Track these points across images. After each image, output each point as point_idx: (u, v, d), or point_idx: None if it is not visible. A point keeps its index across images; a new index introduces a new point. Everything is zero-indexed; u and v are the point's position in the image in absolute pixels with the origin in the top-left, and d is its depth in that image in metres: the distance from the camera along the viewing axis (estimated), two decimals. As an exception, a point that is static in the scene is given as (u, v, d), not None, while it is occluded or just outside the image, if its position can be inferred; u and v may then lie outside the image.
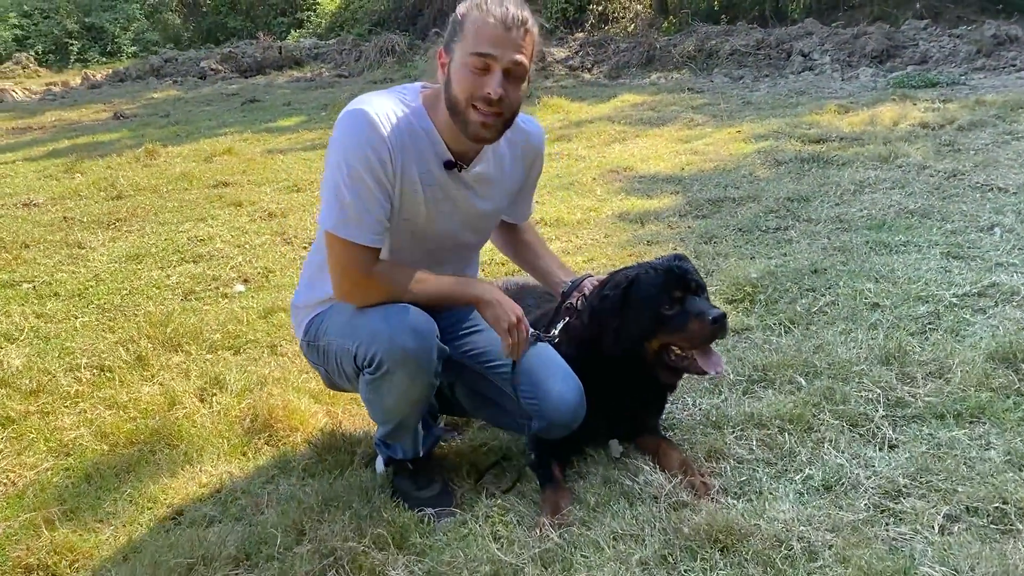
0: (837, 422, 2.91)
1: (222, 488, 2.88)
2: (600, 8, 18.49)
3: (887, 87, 10.29)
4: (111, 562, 2.51)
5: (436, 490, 2.69)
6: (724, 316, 2.57)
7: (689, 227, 5.31)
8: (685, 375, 2.82)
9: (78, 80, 19.12)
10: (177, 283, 5.02)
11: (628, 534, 2.40)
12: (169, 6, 26.23)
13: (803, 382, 3.19)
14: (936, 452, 2.69)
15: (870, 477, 2.58)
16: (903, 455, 2.69)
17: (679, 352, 2.68)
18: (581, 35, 16.68)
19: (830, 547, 2.29)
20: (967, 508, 2.41)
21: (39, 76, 21.02)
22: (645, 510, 2.49)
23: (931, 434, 2.80)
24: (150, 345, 4.01)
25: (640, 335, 2.67)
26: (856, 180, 5.86)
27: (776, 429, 2.90)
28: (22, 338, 4.32)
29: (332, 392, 3.12)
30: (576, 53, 15.21)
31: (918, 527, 2.35)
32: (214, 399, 3.44)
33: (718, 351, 2.70)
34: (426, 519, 2.57)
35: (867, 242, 4.64)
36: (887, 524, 2.38)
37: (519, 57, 2.30)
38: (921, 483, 2.54)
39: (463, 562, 2.33)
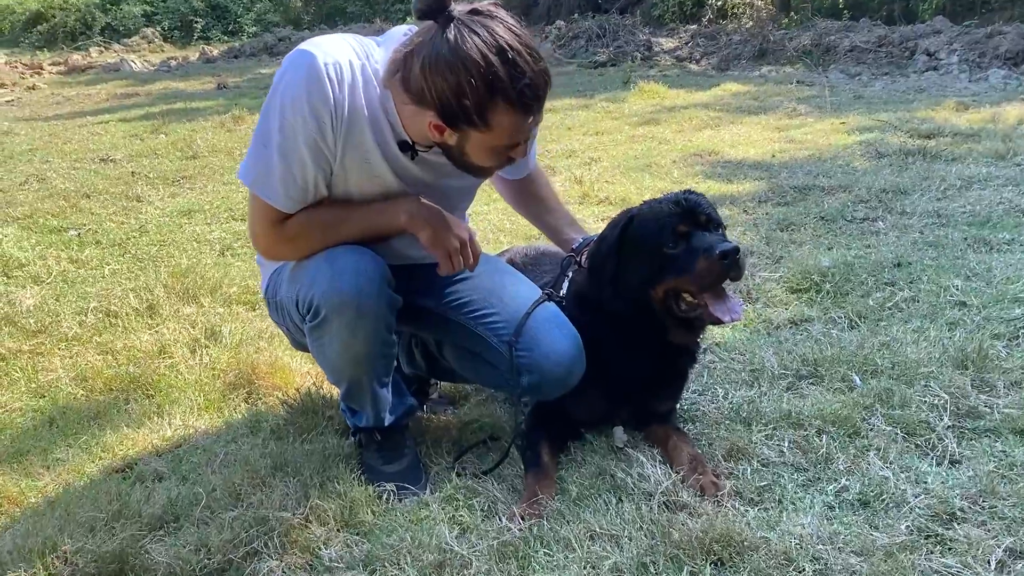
0: (890, 428, 2.43)
1: (183, 443, 2.62)
2: (719, 3, 17.81)
3: (1018, 88, 9.42)
4: (30, 509, 2.26)
5: (403, 464, 2.36)
6: (736, 250, 2.15)
7: (767, 213, 4.81)
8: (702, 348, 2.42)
9: (196, 55, 19.57)
10: (218, 239, 4.84)
11: (607, 534, 2.01)
12: (292, -12, 26.74)
13: (857, 381, 2.71)
14: (1007, 473, 2.19)
15: (919, 495, 2.11)
16: (965, 473, 2.21)
17: (690, 300, 2.26)
18: (693, 27, 16.06)
19: (852, 573, 1.85)
20: (1035, 543, 1.93)
21: (163, 51, 21.63)
22: (632, 508, 2.09)
23: (1004, 451, 2.30)
24: (165, 294, 3.80)
25: (641, 280, 2.28)
26: (964, 176, 5.23)
27: (814, 431, 2.45)
28: (48, 280, 4.20)
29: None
30: (685, 44, 14.63)
31: (970, 560, 1.88)
32: (205, 351, 3.19)
33: (736, 297, 2.29)
34: (384, 496, 2.23)
35: (965, 238, 4.06)
36: (931, 553, 1.91)
37: (540, 115, 2.04)
38: (982, 508, 2.06)
39: (407, 547, 1.98)
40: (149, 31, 23.17)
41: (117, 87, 13.57)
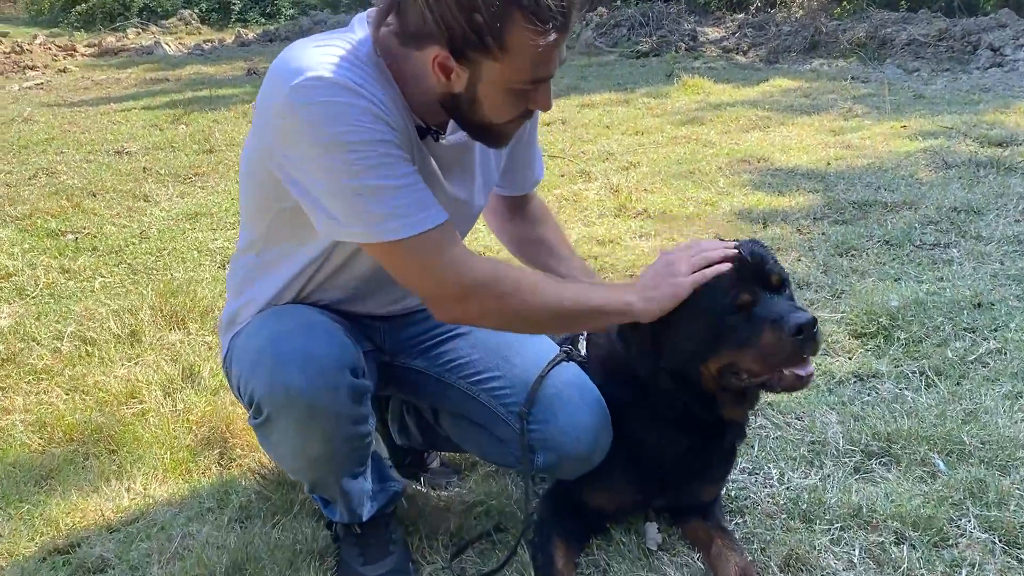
0: (986, 536, 1.98)
1: (140, 518, 2.24)
2: (769, -10, 17.13)
3: (1094, 89, 8.77)
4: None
5: (388, 565, 1.95)
6: (813, 322, 1.69)
7: (823, 233, 4.32)
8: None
9: (231, 38, 19.30)
10: (220, 248, 4.46)
11: None
12: (330, -29, 26.39)
13: (941, 465, 2.26)
14: None
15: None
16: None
17: (751, 375, 1.80)
18: (741, 16, 15.43)
19: None
20: None
21: (199, 33, 21.39)
22: (666, 651, 1.67)
23: None
24: (150, 317, 3.43)
25: (690, 353, 1.82)
26: (1045, 193, 4.71)
27: (892, 535, 2.01)
28: (33, 294, 3.86)
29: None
30: (732, 34, 14.02)
31: None
32: (181, 395, 2.81)
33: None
34: (364, 609, 1.82)
35: (1054, 272, 3.57)
36: None
37: (563, 50, 1.61)
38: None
39: None
40: (187, 12, 22.95)
41: (147, 71, 13.28)
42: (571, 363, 1.97)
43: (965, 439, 2.35)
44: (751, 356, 1.76)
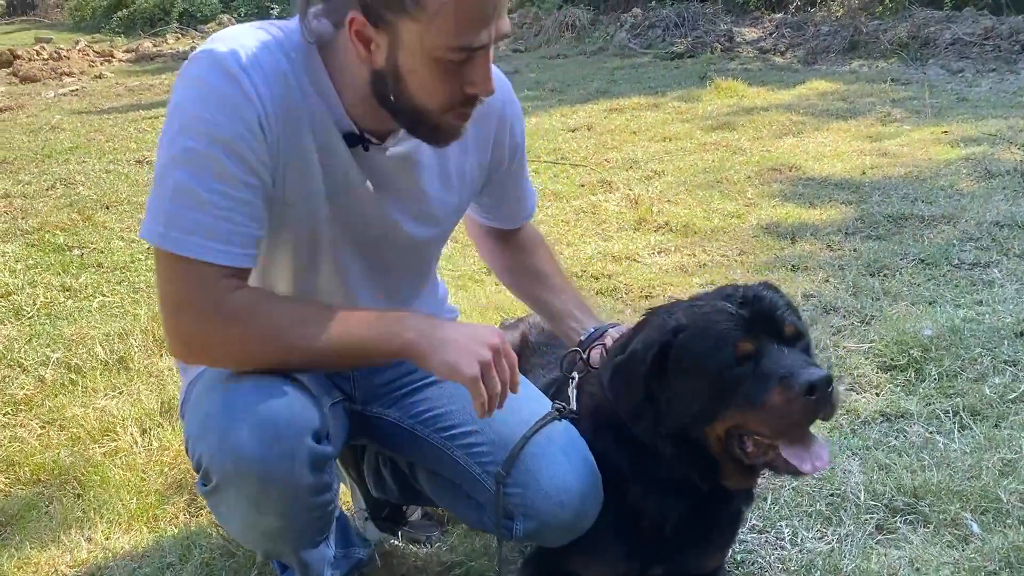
0: (1024, 617, 1.75)
1: (95, 574, 2.08)
2: (808, -11, 16.74)
3: None
4: None
5: (350, 638, 1.77)
6: (828, 381, 1.48)
7: (855, 250, 4.08)
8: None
9: (266, 42, 19.35)
10: (224, 265, 4.33)
11: None
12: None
13: (974, 527, 2.03)
14: None
15: None
16: None
17: (760, 439, 1.59)
18: (779, 16, 15.08)
19: None
20: None
21: (236, 37, 21.53)
22: None
23: None
24: (141, 342, 3.30)
25: (692, 415, 1.62)
26: (1097, 206, 4.41)
27: (916, 612, 1.78)
28: (30, 315, 3.75)
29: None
30: (770, 35, 13.67)
31: None
32: (156, 432, 2.66)
33: (820, 436, 1.62)
34: None
35: (1106, 297, 3.30)
36: None
37: (506, 23, 1.43)
38: None
39: None
40: (225, 17, 23.09)
41: (179, 77, 13.32)
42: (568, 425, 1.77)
43: (1002, 495, 2.12)
44: (758, 417, 1.55)
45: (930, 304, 3.37)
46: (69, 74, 13.91)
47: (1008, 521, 2.04)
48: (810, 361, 1.58)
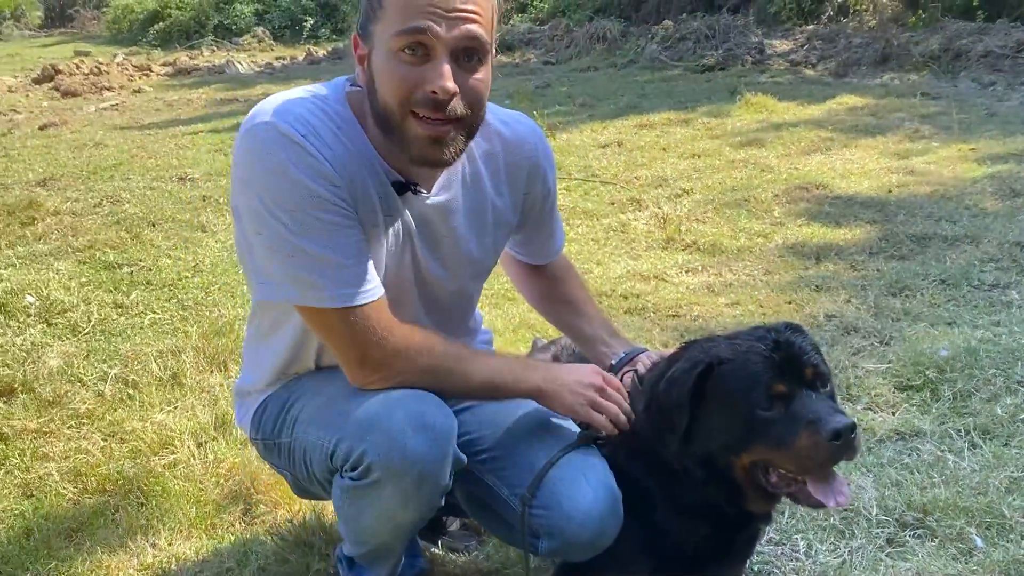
0: (1021, 626, 1.88)
1: (161, 577, 2.26)
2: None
3: None
4: None
5: (397, 638, 1.93)
6: (852, 428, 1.61)
7: (878, 270, 4.19)
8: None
9: (303, 56, 19.66)
10: (268, 282, 4.52)
11: None
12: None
13: (979, 541, 2.16)
14: None
15: None
16: None
17: (785, 472, 1.74)
18: (810, 27, 15.12)
19: None
20: None
21: (272, 50, 21.83)
22: None
23: None
24: (193, 359, 3.49)
25: (721, 445, 1.76)
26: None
27: (920, 621, 1.91)
28: (86, 331, 3.95)
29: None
30: (801, 47, 13.74)
31: None
32: (212, 445, 2.84)
33: (840, 475, 1.75)
34: None
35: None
36: None
37: (471, 28, 1.52)
38: None
39: None
40: (259, 30, 23.46)
41: (217, 91, 13.62)
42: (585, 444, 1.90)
43: (1006, 512, 2.24)
44: (785, 456, 1.69)
45: (949, 325, 3.48)
46: (109, 88, 14.24)
47: (1011, 536, 2.16)
48: (836, 408, 1.71)
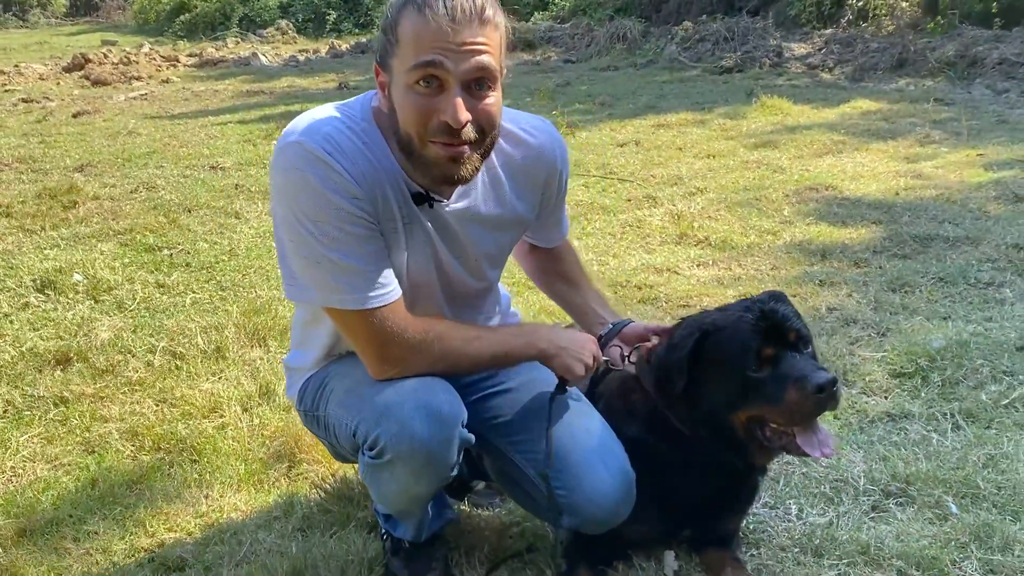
0: (987, 580, 2.11)
1: (215, 524, 2.51)
2: (860, 3, 16.88)
3: None
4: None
5: (430, 579, 2.18)
6: (833, 382, 1.86)
7: (880, 268, 4.41)
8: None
9: (325, 49, 19.92)
10: (301, 267, 4.77)
11: None
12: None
13: (953, 508, 2.38)
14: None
15: None
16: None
17: (776, 426, 1.98)
18: (829, 31, 15.28)
19: None
20: None
21: (295, 43, 22.11)
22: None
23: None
24: (234, 334, 3.75)
25: (720, 404, 2.01)
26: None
27: (896, 573, 2.14)
28: (131, 308, 4.22)
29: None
30: (819, 50, 13.90)
31: None
32: (257, 411, 3.10)
33: (826, 427, 1.99)
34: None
35: (1107, 317, 3.61)
36: None
37: (482, 60, 1.70)
38: None
39: None
40: (283, 23, 23.74)
41: (244, 83, 13.89)
42: (598, 427, 2.10)
43: (980, 483, 2.47)
44: (776, 411, 1.94)
45: (943, 319, 3.70)
46: (138, 78, 14.53)
47: (983, 504, 2.39)
48: (818, 365, 1.96)
